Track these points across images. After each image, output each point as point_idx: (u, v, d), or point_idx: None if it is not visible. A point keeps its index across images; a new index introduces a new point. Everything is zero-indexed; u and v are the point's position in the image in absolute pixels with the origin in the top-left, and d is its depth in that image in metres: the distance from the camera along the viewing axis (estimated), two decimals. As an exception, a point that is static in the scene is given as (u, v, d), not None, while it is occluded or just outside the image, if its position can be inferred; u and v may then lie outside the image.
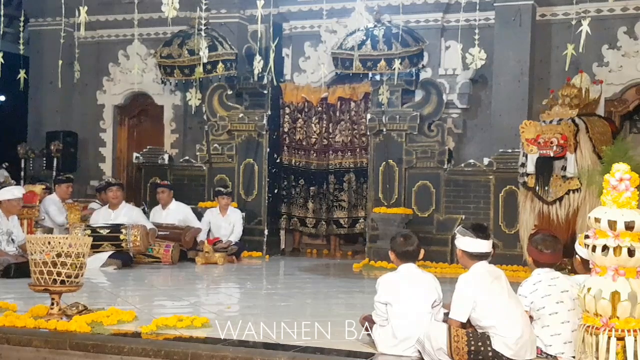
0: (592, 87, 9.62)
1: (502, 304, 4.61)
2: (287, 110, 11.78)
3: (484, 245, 4.76)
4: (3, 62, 8.08)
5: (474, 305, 4.59)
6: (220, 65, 11.24)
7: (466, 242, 4.76)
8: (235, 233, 10.51)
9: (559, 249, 4.97)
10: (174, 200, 10.67)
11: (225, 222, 10.56)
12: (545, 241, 4.92)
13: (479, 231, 4.78)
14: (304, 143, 11.77)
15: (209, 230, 10.62)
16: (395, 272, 5.03)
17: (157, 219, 10.46)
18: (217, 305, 6.81)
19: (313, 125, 11.69)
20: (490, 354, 4.51)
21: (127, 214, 9.86)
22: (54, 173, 12.63)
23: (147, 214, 10.54)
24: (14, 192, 8.70)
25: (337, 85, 11.58)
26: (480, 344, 4.52)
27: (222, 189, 10.69)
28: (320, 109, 11.67)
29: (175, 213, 10.54)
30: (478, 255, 4.75)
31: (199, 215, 10.70)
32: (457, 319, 4.63)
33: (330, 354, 4.77)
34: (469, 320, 4.67)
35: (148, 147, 12.30)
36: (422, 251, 5.04)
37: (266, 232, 11.19)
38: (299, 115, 11.78)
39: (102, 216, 9.89)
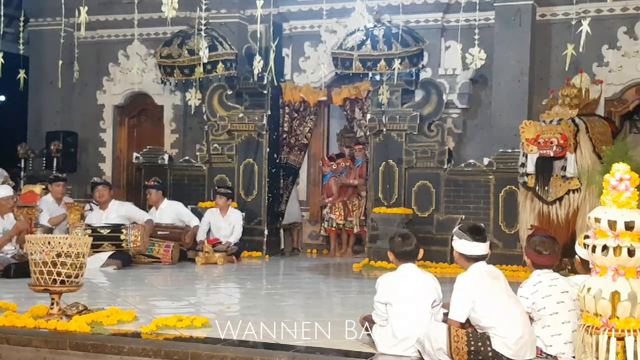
0: (592, 87, 9.61)
1: (501, 304, 4.61)
2: (287, 110, 11.83)
3: (480, 248, 4.76)
4: (3, 62, 8.07)
5: (472, 306, 4.59)
6: (220, 65, 11.23)
7: (462, 245, 4.77)
8: (234, 234, 10.50)
9: (558, 250, 4.97)
10: (165, 199, 10.68)
11: (225, 223, 10.55)
12: (543, 243, 4.91)
13: (476, 234, 4.77)
14: (303, 142, 11.90)
15: (209, 231, 10.62)
16: (395, 272, 5.03)
17: (154, 220, 10.45)
18: (217, 305, 6.81)
19: (302, 126, 11.84)
20: (490, 354, 4.51)
21: (116, 210, 9.87)
22: (54, 173, 12.63)
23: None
24: (0, 191, 8.70)
25: (343, 86, 11.59)
26: (480, 344, 4.52)
27: (217, 188, 10.70)
28: (314, 109, 11.79)
29: (168, 212, 10.55)
30: (474, 258, 4.76)
31: (199, 216, 10.70)
32: (456, 319, 4.63)
33: (330, 354, 4.77)
34: (468, 321, 4.67)
35: (148, 147, 12.29)
36: (422, 251, 5.04)
37: (266, 232, 11.19)
38: (300, 116, 11.88)
39: (95, 217, 9.88)
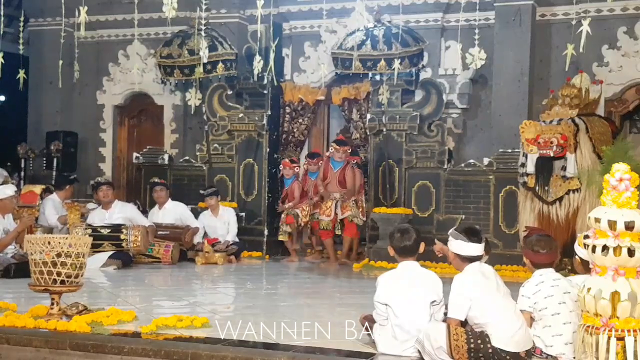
0: (592, 87, 9.61)
1: (497, 302, 4.65)
2: (288, 110, 11.84)
3: (476, 249, 4.81)
4: (3, 62, 8.07)
5: (470, 304, 4.62)
6: (220, 65, 11.23)
7: (459, 245, 4.82)
8: (231, 232, 10.51)
9: (555, 248, 5.00)
10: (170, 199, 10.68)
11: (219, 222, 10.57)
12: (539, 242, 4.94)
13: (472, 235, 4.82)
14: (300, 139, 12.08)
15: (205, 233, 10.61)
16: (394, 271, 5.04)
17: (155, 219, 10.45)
18: (217, 305, 6.81)
19: (298, 124, 11.89)
20: (490, 351, 4.52)
21: (120, 211, 9.89)
22: (54, 173, 12.63)
23: (144, 213, 10.57)
24: (6, 191, 8.71)
25: (342, 86, 11.58)
26: (479, 341, 4.54)
27: (202, 191, 10.66)
28: (313, 108, 11.86)
29: (172, 212, 10.53)
30: (469, 258, 4.79)
31: (198, 216, 10.70)
32: (456, 318, 4.66)
33: (330, 354, 4.78)
34: (467, 320, 4.69)
35: (148, 147, 12.29)
36: (423, 244, 5.03)
37: (266, 232, 11.19)
38: (298, 115, 11.91)
39: (97, 217, 9.88)
